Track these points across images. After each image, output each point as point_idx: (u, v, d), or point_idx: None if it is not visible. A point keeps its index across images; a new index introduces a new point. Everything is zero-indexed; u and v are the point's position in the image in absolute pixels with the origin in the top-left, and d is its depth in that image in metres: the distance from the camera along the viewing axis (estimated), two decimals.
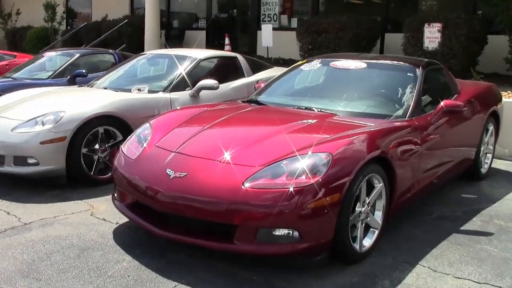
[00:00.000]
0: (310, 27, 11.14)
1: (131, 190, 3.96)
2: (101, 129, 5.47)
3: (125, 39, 14.83)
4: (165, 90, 6.26)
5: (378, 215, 3.97)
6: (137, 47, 13.03)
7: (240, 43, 15.12)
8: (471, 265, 3.87)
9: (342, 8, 13.38)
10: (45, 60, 9.37)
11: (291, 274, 3.60)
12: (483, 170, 6.12)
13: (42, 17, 17.67)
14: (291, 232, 3.41)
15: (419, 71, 5.00)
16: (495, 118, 6.22)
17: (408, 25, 10.00)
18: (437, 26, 9.29)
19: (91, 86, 6.77)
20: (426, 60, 5.61)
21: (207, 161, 3.76)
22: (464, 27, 9.24)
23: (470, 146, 5.63)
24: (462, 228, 4.60)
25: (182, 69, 6.55)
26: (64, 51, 9.64)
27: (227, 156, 3.75)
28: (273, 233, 3.42)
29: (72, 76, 8.05)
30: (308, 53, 10.71)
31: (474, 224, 4.71)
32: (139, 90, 6.17)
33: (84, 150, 5.36)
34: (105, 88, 6.47)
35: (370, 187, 3.82)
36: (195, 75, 6.56)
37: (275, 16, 14.17)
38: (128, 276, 3.51)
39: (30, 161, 5.18)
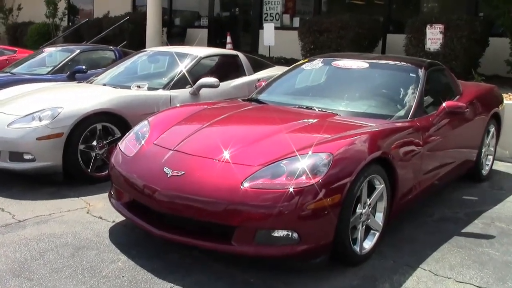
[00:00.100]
0: (312, 27, 11.10)
1: (128, 188, 3.89)
2: (99, 126, 5.41)
3: (127, 36, 14.78)
4: (165, 87, 6.20)
5: (379, 217, 3.90)
6: (139, 44, 12.96)
7: (242, 42, 15.08)
8: (473, 268, 3.81)
9: (344, 8, 13.33)
10: (45, 55, 9.32)
11: (290, 276, 3.54)
12: (484, 172, 6.07)
13: (44, 13, 17.63)
14: (290, 233, 3.34)
15: (421, 72, 4.94)
16: (497, 120, 6.17)
17: (410, 26, 9.97)
18: (439, 27, 9.25)
19: (90, 83, 6.72)
20: (429, 61, 5.55)
21: (205, 160, 3.69)
22: (465, 29, 9.21)
23: (472, 147, 5.57)
24: (463, 230, 4.54)
25: (182, 67, 6.49)
26: (64, 47, 9.60)
27: (226, 155, 3.68)
28: (272, 234, 3.35)
29: (72, 72, 7.99)
30: (310, 53, 10.66)
31: (475, 226, 4.65)
32: (138, 87, 6.10)
33: (81, 147, 5.30)
34: (104, 85, 6.41)
35: (371, 188, 3.76)
36: (195, 73, 6.49)
37: (277, 15, 14.13)
38: (123, 276, 3.44)
39: (26, 157, 5.12)
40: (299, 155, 3.53)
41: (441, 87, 5.47)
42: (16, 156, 5.14)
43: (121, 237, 4.09)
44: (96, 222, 4.38)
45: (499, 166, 6.70)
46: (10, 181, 5.36)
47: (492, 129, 6.10)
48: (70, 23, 19.20)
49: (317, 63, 5.43)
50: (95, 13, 18.41)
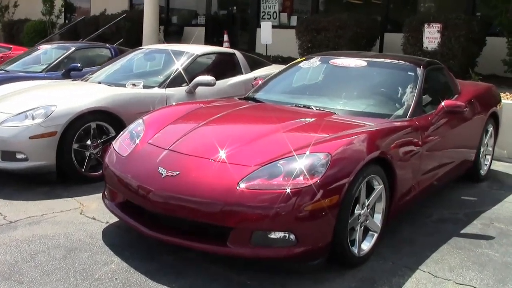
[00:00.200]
0: (310, 25, 11.03)
1: (121, 188, 3.82)
2: (93, 125, 5.34)
3: (123, 34, 14.71)
4: (160, 85, 6.13)
5: (378, 218, 3.84)
6: (135, 42, 12.90)
7: (239, 41, 15.01)
8: (472, 270, 3.75)
9: (341, 7, 13.29)
10: (40, 53, 9.23)
11: (287, 279, 3.47)
12: (483, 172, 6.02)
13: (40, 10, 17.52)
14: (287, 235, 3.27)
15: (420, 71, 4.88)
16: (495, 119, 6.12)
17: (407, 25, 9.92)
18: (436, 26, 9.21)
19: (85, 80, 6.64)
20: (427, 59, 5.50)
21: (201, 159, 3.62)
22: (463, 28, 9.17)
23: (470, 147, 5.52)
24: (462, 231, 4.49)
25: (178, 65, 6.42)
26: (60, 45, 9.50)
27: (222, 155, 3.61)
28: (269, 236, 3.28)
29: (67, 70, 7.91)
30: (308, 51, 10.60)
31: (474, 227, 4.60)
32: (133, 85, 6.03)
33: (75, 146, 5.22)
34: (99, 83, 6.34)
35: (369, 189, 3.69)
36: (191, 71, 6.42)
37: (274, 14, 14.08)
38: (116, 279, 3.37)
39: (19, 156, 5.04)
40: (296, 155, 3.46)
41: (440, 86, 5.41)
42: (8, 155, 5.06)
43: (114, 238, 4.02)
44: (90, 223, 4.30)
45: (497, 166, 6.66)
46: (2, 181, 5.28)
47: (491, 129, 6.05)
48: (67, 21, 19.11)
49: (315, 61, 5.37)
50: (92, 10, 18.33)
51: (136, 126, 4.29)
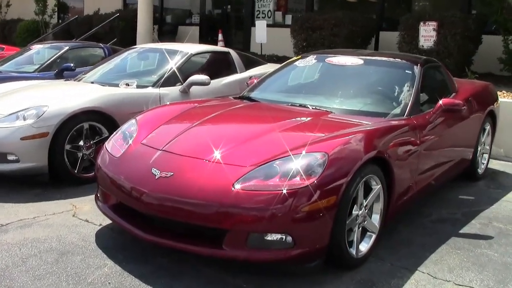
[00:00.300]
0: (305, 24, 10.95)
1: (114, 190, 3.74)
2: (86, 125, 5.25)
3: (117, 33, 14.61)
4: (154, 85, 6.05)
5: (376, 219, 3.78)
6: (129, 42, 12.78)
7: (233, 40, 14.96)
8: (472, 271, 3.70)
9: (336, 6, 13.18)
10: (32, 53, 9.12)
11: (284, 281, 3.41)
12: (480, 170, 5.98)
13: (33, 10, 17.39)
14: (284, 237, 3.20)
15: (417, 69, 4.83)
16: (492, 117, 6.09)
17: (403, 23, 9.85)
18: (432, 24, 9.15)
19: (78, 80, 6.55)
20: (424, 57, 5.43)
21: (195, 160, 3.55)
22: (459, 26, 9.11)
23: (468, 146, 5.48)
24: (461, 231, 4.44)
25: (172, 64, 6.35)
26: (53, 44, 9.40)
27: (216, 155, 3.54)
28: (265, 238, 3.22)
29: (60, 70, 7.79)
30: (303, 50, 10.52)
31: (473, 227, 4.55)
32: (127, 85, 5.95)
33: (67, 147, 5.14)
34: (92, 83, 6.26)
35: (367, 189, 3.63)
36: (186, 70, 6.35)
37: (269, 13, 14.00)
38: (109, 283, 3.29)
39: (10, 157, 4.95)
40: (292, 155, 3.39)
41: (437, 84, 5.36)
42: None
43: (108, 241, 3.94)
44: (82, 225, 4.22)
45: (494, 164, 6.62)
46: None
47: (488, 127, 6.01)
48: (60, 21, 18.99)
49: (311, 59, 5.30)
50: (85, 10, 18.21)
51: (129, 126, 4.21)
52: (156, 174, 3.47)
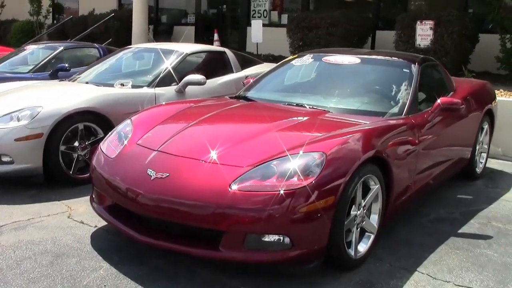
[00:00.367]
0: (301, 23, 10.93)
1: (109, 191, 3.69)
2: (80, 126, 5.20)
3: (112, 33, 14.55)
4: (149, 85, 6.00)
5: (374, 219, 3.74)
6: (125, 42, 12.73)
7: (229, 39, 14.92)
8: (472, 271, 3.66)
9: (333, 5, 13.13)
10: (27, 53, 9.06)
11: (281, 283, 3.37)
12: (478, 170, 5.95)
13: (27, 10, 17.30)
14: (282, 238, 3.16)
15: (415, 67, 4.79)
16: (490, 116, 6.05)
17: (400, 22, 9.84)
18: (429, 23, 9.14)
19: (73, 81, 6.50)
20: (422, 56, 5.39)
21: (191, 160, 3.50)
22: (456, 25, 9.09)
23: (466, 145, 5.44)
24: (460, 231, 4.40)
25: (168, 64, 6.30)
26: (47, 45, 9.33)
27: (213, 155, 3.49)
28: (263, 239, 3.17)
29: (54, 70, 7.74)
30: (299, 50, 10.49)
31: (472, 226, 4.51)
32: (122, 85, 5.90)
33: (62, 148, 5.09)
34: (87, 83, 6.20)
35: (365, 189, 3.59)
36: (181, 70, 6.30)
37: (265, 12, 13.98)
38: (105, 285, 3.24)
39: (4, 159, 4.89)
40: (290, 155, 3.34)
41: (435, 83, 5.33)
42: None
43: (103, 242, 3.89)
44: (77, 227, 4.17)
45: (492, 163, 6.59)
46: None
47: (486, 126, 5.97)
48: (55, 21, 18.91)
49: (307, 58, 5.26)
50: (80, 10, 18.14)
51: (124, 127, 4.16)
52: (151, 175, 3.43)
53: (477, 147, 5.74)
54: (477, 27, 9.47)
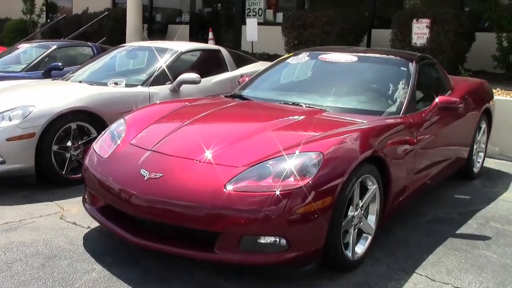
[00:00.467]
0: (296, 22, 10.86)
1: (102, 192, 3.62)
2: (73, 125, 5.12)
3: (106, 32, 14.47)
4: (143, 84, 5.93)
5: (372, 219, 3.68)
6: (119, 41, 12.61)
7: (224, 38, 14.85)
8: (471, 273, 3.61)
9: (328, 3, 13.07)
10: (19, 52, 8.97)
11: (278, 285, 3.31)
12: (476, 169, 5.90)
13: (20, 9, 17.18)
14: (278, 239, 3.09)
15: (412, 66, 4.73)
16: (488, 115, 6.01)
17: (396, 20, 9.77)
18: (425, 21, 9.08)
19: (66, 80, 6.41)
20: (419, 54, 5.34)
21: (185, 160, 3.43)
22: (452, 23, 9.04)
23: (463, 144, 5.39)
24: (458, 231, 4.35)
25: (162, 62, 6.22)
26: (40, 43, 9.26)
27: (207, 155, 3.42)
28: (259, 241, 3.10)
29: (47, 69, 7.67)
30: (294, 48, 10.40)
31: (470, 227, 4.46)
32: (115, 84, 5.82)
33: (55, 148, 5.02)
34: (80, 82, 6.12)
35: (362, 189, 3.53)
36: (176, 69, 6.22)
37: (260, 11, 13.90)
38: None
39: None
40: (286, 154, 3.28)
41: (433, 82, 5.27)
42: None
43: (96, 244, 3.82)
44: (70, 228, 4.10)
45: (489, 163, 6.55)
46: None
47: (484, 125, 5.93)
48: (49, 20, 18.79)
49: (303, 56, 5.19)
50: (74, 9, 18.03)
51: (118, 126, 4.09)
52: (145, 175, 3.36)
53: (475, 147, 5.70)
54: (473, 26, 9.43)
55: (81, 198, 4.13)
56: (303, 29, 10.73)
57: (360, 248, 3.58)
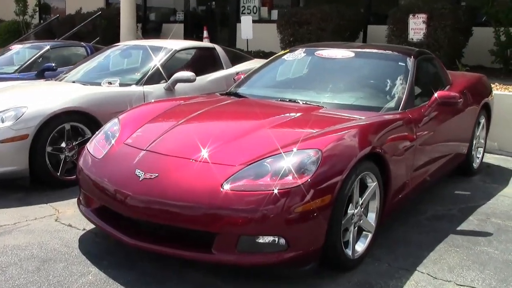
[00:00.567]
0: (291, 18, 10.79)
1: (97, 193, 3.55)
2: (67, 126, 5.05)
3: (100, 32, 14.38)
4: (138, 83, 5.85)
5: (372, 217, 3.62)
6: (112, 41, 12.51)
7: (219, 36, 14.77)
8: (473, 270, 3.55)
9: (323, 1, 13.03)
10: (12, 53, 8.89)
11: (277, 285, 3.25)
12: (475, 165, 5.84)
13: (13, 10, 17.07)
14: (276, 239, 3.03)
15: (410, 61, 4.67)
16: (487, 110, 5.95)
17: (392, 16, 9.72)
18: (422, 17, 9.02)
19: (60, 80, 6.33)
20: (417, 49, 5.27)
21: (181, 160, 3.36)
22: (449, 18, 8.98)
23: (463, 140, 5.33)
24: (459, 228, 4.29)
25: (156, 61, 6.15)
26: (33, 44, 9.18)
27: (203, 154, 3.36)
28: (257, 241, 3.04)
29: (41, 70, 7.58)
30: (289, 46, 10.33)
31: (471, 223, 4.40)
32: (109, 83, 5.75)
33: (49, 149, 4.94)
34: (73, 82, 6.05)
35: (362, 187, 3.47)
36: (170, 67, 6.15)
37: (254, 8, 13.83)
38: None
39: None
40: (283, 152, 3.21)
41: (431, 77, 5.22)
42: None
43: (91, 246, 3.75)
44: (65, 230, 4.03)
45: (489, 158, 6.50)
46: None
47: (483, 121, 5.87)
48: (42, 21, 18.67)
49: (299, 53, 5.12)
50: (67, 9, 17.92)
51: (112, 126, 4.02)
52: (140, 175, 3.29)
53: (474, 142, 5.64)
54: (470, 20, 9.36)
55: (76, 199, 4.06)
56: (299, 26, 10.66)
57: (360, 247, 3.52)
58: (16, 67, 8.13)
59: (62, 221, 4.22)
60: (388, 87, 4.45)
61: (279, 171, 3.10)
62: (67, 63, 8.18)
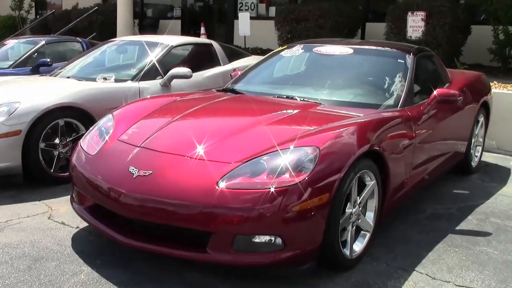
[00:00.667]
0: (289, 15, 10.75)
1: (90, 191, 3.48)
2: (61, 122, 4.98)
3: (96, 28, 14.29)
4: (133, 79, 5.78)
5: (370, 216, 3.56)
6: (109, 37, 12.45)
7: (216, 33, 14.72)
8: (472, 270, 3.50)
9: None
10: (7, 48, 8.80)
11: (275, 285, 3.19)
12: (474, 163, 5.80)
13: (9, 5, 16.98)
14: (273, 239, 2.97)
15: (410, 58, 4.61)
16: (486, 109, 5.90)
17: (390, 13, 9.68)
18: (420, 14, 8.96)
19: (54, 75, 6.25)
20: (416, 46, 5.22)
21: (176, 157, 3.30)
22: (448, 16, 8.93)
23: (462, 138, 5.28)
24: (458, 227, 4.24)
25: (152, 57, 6.08)
26: (28, 39, 9.08)
27: (199, 151, 3.29)
28: (253, 240, 2.98)
29: (36, 66, 7.46)
30: (287, 42, 10.23)
31: (470, 223, 4.35)
32: (104, 79, 5.68)
33: (42, 145, 4.87)
34: (68, 77, 5.97)
35: (360, 185, 3.41)
36: (166, 63, 6.09)
37: (252, 5, 13.78)
38: None
39: None
40: (280, 150, 3.15)
41: (430, 74, 5.16)
42: None
43: (84, 244, 3.68)
44: (58, 228, 3.96)
45: (487, 157, 6.45)
46: None
47: (481, 119, 5.82)
48: (38, 16, 18.57)
49: (297, 49, 5.06)
50: (63, 5, 17.86)
51: (106, 122, 3.95)
52: (133, 173, 3.22)
53: (473, 140, 5.59)
54: (469, 18, 9.34)
55: (69, 197, 3.99)
56: (296, 23, 10.61)
57: (358, 246, 3.47)
58: (10, 62, 8.04)
59: (55, 219, 4.16)
60: (387, 84, 4.39)
61: (276, 169, 3.03)
62: (62, 59, 8.08)
